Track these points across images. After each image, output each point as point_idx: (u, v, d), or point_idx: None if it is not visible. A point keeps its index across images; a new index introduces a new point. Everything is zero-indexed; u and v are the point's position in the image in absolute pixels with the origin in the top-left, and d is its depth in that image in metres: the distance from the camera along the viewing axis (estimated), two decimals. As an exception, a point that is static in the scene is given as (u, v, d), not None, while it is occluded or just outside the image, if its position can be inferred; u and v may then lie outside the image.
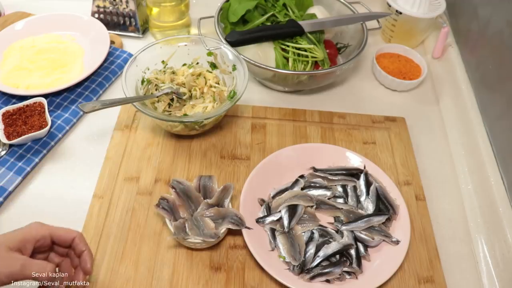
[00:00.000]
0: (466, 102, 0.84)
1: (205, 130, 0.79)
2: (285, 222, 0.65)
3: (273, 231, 0.66)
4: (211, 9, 0.92)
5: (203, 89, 0.80)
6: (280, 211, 0.67)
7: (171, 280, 0.62)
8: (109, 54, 0.92)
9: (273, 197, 0.70)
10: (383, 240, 0.66)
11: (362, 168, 0.74)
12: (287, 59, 0.87)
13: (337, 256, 0.64)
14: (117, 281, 0.61)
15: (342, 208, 0.69)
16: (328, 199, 0.70)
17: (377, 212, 0.68)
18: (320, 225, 0.67)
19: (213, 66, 0.83)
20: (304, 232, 0.66)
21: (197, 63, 0.84)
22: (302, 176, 0.72)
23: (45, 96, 0.82)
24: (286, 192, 0.69)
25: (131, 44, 0.99)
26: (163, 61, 0.83)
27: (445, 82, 0.94)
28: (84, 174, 0.74)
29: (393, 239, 0.66)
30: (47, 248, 0.56)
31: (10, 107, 0.79)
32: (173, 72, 0.82)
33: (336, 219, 0.69)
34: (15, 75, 0.87)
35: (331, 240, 0.65)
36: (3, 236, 0.53)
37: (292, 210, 0.67)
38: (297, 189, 0.70)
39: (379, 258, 0.65)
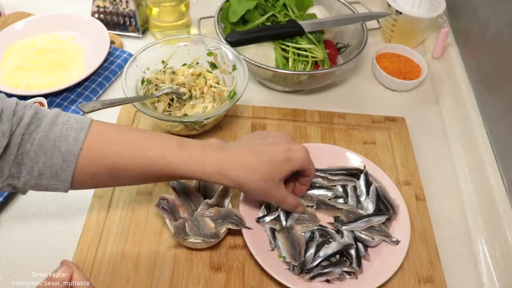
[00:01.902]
0: (466, 102, 0.84)
1: (205, 130, 0.79)
2: (282, 219, 0.66)
3: (273, 231, 0.66)
4: (211, 9, 0.92)
5: (203, 89, 0.80)
6: (278, 209, 0.67)
7: (171, 280, 0.62)
8: (109, 54, 0.92)
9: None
10: (383, 240, 0.66)
11: (362, 168, 0.74)
12: (287, 59, 0.87)
13: (337, 256, 0.64)
14: (117, 281, 0.61)
15: (342, 208, 0.69)
16: (329, 199, 0.70)
17: (377, 212, 0.68)
18: (320, 225, 0.67)
19: (213, 66, 0.83)
20: (304, 232, 0.66)
21: (197, 63, 0.84)
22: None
23: (45, 96, 0.82)
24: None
25: (131, 44, 0.99)
26: (163, 61, 0.83)
27: (445, 82, 0.94)
28: (84, 174, 0.74)
29: (393, 239, 0.66)
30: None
31: (10, 107, 0.79)
32: (173, 72, 0.82)
33: (336, 219, 0.69)
34: (15, 75, 0.87)
35: (331, 240, 0.65)
36: (278, 168, 0.58)
37: None
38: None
39: (379, 258, 0.65)
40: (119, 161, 0.52)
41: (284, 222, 0.66)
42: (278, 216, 0.67)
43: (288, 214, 0.66)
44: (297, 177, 0.64)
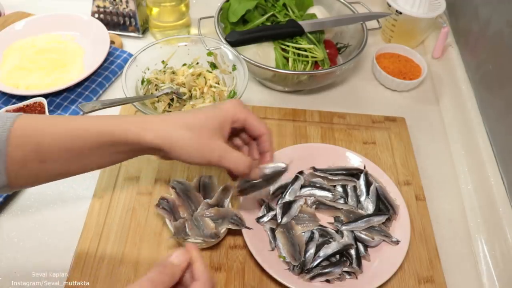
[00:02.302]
0: (466, 102, 0.84)
1: (205, 130, 0.79)
2: (278, 216, 0.66)
3: (273, 231, 0.66)
4: (211, 9, 0.92)
5: (203, 89, 0.80)
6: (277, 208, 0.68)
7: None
8: (109, 54, 0.92)
9: (273, 193, 0.70)
10: (383, 240, 0.66)
11: (362, 168, 0.74)
12: (287, 59, 0.87)
13: (337, 256, 0.64)
14: (117, 281, 0.61)
15: (342, 208, 0.69)
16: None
17: (377, 212, 0.68)
18: (320, 225, 0.67)
19: (213, 66, 0.83)
20: (304, 232, 0.66)
21: (197, 63, 0.84)
22: (301, 173, 0.72)
23: (45, 96, 0.82)
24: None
25: (131, 44, 0.99)
26: (163, 61, 0.83)
27: (445, 82, 0.94)
28: (84, 174, 0.74)
29: (393, 239, 0.66)
30: (237, 132, 0.57)
31: (10, 107, 0.79)
32: (173, 72, 0.82)
33: (336, 219, 0.69)
34: (15, 75, 0.87)
35: (331, 240, 0.65)
36: (205, 117, 0.53)
37: (288, 206, 0.67)
38: (297, 186, 0.70)
39: (379, 258, 0.65)
40: (42, 139, 0.49)
41: (279, 219, 0.66)
42: (276, 214, 0.67)
43: (284, 211, 0.66)
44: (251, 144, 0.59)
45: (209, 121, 0.53)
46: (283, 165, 0.59)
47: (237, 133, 0.59)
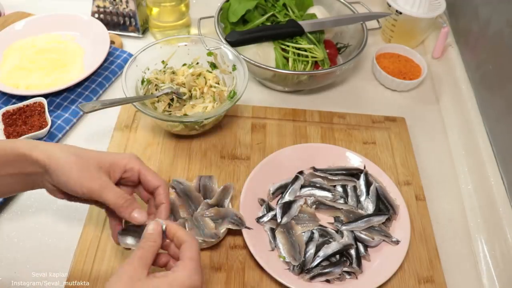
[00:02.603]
0: (466, 102, 0.84)
1: (205, 130, 0.79)
2: (278, 216, 0.66)
3: (273, 231, 0.66)
4: (211, 9, 0.92)
5: (203, 89, 0.80)
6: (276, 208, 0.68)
7: (171, 280, 0.62)
8: (109, 54, 0.92)
9: (273, 193, 0.70)
10: (383, 240, 0.66)
11: (362, 168, 0.74)
12: (287, 59, 0.87)
13: (337, 256, 0.64)
14: (117, 281, 0.61)
15: (342, 208, 0.69)
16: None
17: (377, 212, 0.68)
18: (320, 225, 0.67)
19: (213, 66, 0.83)
20: (304, 232, 0.66)
21: (197, 63, 0.84)
22: (301, 173, 0.72)
23: (45, 96, 0.82)
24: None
25: (131, 44, 0.99)
26: (163, 61, 0.83)
27: (445, 82, 0.94)
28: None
29: (393, 239, 0.66)
30: (132, 185, 0.56)
31: (10, 107, 0.79)
32: (173, 72, 0.82)
33: (336, 219, 0.69)
34: (15, 75, 0.87)
35: (331, 240, 0.65)
36: (97, 153, 0.53)
37: (288, 206, 0.67)
38: (297, 186, 0.70)
39: (379, 258, 0.65)
40: None
41: (279, 219, 0.66)
42: (276, 214, 0.67)
43: (284, 211, 0.66)
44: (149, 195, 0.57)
45: (100, 157, 0.52)
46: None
47: (135, 186, 0.57)
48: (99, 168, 0.51)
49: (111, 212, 0.54)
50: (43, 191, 0.72)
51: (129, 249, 0.54)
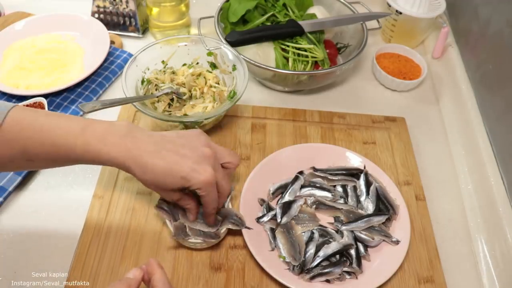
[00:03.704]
0: (466, 102, 0.84)
1: (205, 130, 0.79)
2: (278, 216, 0.66)
3: (273, 231, 0.66)
4: (211, 9, 0.92)
5: (203, 89, 0.80)
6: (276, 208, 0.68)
7: (171, 280, 0.62)
8: (109, 54, 0.92)
9: (273, 193, 0.70)
10: (383, 240, 0.66)
11: (362, 168, 0.74)
12: (287, 59, 0.87)
13: (337, 256, 0.64)
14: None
15: (342, 208, 0.69)
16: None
17: (377, 212, 0.68)
18: (320, 225, 0.67)
19: (213, 66, 0.83)
20: (304, 232, 0.66)
21: (197, 63, 0.84)
22: (301, 173, 0.72)
23: (45, 96, 0.82)
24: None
25: (131, 44, 0.99)
26: (163, 61, 0.83)
27: (445, 82, 0.94)
28: (84, 174, 0.74)
29: (393, 239, 0.66)
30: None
31: (10, 107, 0.79)
32: (173, 72, 0.82)
33: (336, 219, 0.69)
34: (15, 75, 0.87)
35: (331, 240, 0.65)
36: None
37: (287, 206, 0.67)
38: (297, 186, 0.70)
39: (379, 258, 0.65)
40: (30, 147, 0.53)
41: (279, 219, 0.66)
42: (276, 214, 0.67)
43: (284, 211, 0.66)
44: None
45: (173, 184, 0.57)
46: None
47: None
48: (171, 189, 0.58)
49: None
50: (43, 191, 0.72)
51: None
